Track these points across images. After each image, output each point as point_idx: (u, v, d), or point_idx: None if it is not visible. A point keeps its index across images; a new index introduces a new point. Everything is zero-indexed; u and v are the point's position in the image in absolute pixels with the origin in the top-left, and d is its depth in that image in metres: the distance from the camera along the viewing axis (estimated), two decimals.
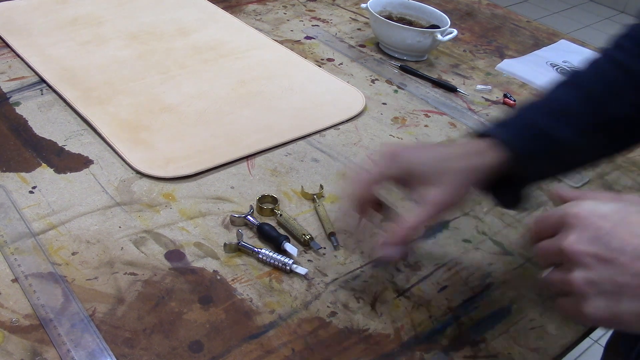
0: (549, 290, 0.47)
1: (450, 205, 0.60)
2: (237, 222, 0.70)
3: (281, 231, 0.70)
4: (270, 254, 0.65)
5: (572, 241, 0.44)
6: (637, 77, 0.62)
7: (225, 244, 0.67)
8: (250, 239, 0.69)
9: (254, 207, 0.73)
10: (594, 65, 0.66)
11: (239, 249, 0.67)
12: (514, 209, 0.67)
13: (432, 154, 0.62)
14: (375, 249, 0.61)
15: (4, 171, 0.74)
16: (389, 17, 1.13)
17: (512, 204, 0.66)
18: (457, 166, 0.60)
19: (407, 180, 0.61)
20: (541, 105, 0.65)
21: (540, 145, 0.62)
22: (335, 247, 0.69)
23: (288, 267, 0.65)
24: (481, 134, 0.63)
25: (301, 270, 0.65)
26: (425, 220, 0.59)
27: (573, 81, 0.66)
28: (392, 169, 0.61)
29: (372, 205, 0.64)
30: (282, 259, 0.65)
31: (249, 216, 0.70)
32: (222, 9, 1.19)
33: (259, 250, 0.66)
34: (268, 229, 0.68)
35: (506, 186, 0.64)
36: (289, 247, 0.66)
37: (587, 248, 0.44)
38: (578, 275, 0.44)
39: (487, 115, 0.97)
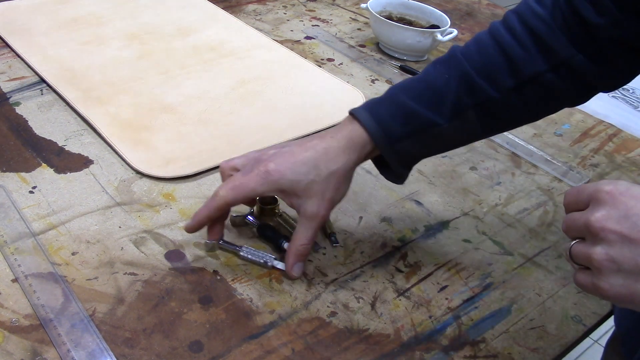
0: (570, 262, 0.47)
1: (329, 210, 0.64)
2: (237, 222, 0.70)
3: (281, 231, 0.70)
4: (252, 250, 0.65)
5: (600, 217, 0.44)
6: (514, 61, 0.63)
7: (205, 243, 0.67)
8: (250, 239, 0.69)
9: (254, 207, 0.73)
10: (477, 43, 0.66)
11: (219, 247, 0.67)
12: (398, 183, 0.69)
13: (303, 163, 0.62)
14: (288, 270, 0.64)
15: (4, 171, 0.74)
16: (389, 17, 1.13)
17: (394, 178, 0.69)
18: (329, 172, 0.62)
19: (282, 194, 0.63)
20: (412, 86, 0.66)
21: (408, 127, 0.64)
22: (335, 247, 0.69)
23: (269, 264, 0.65)
24: (353, 114, 0.65)
25: (282, 265, 0.65)
26: (316, 233, 0.64)
27: (449, 60, 0.66)
28: (264, 187, 0.62)
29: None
30: (263, 255, 0.65)
31: (249, 216, 0.70)
32: (222, 9, 1.19)
33: (240, 247, 0.66)
34: (268, 229, 0.68)
35: (384, 164, 0.67)
36: (287, 246, 0.66)
37: (614, 226, 0.43)
38: (600, 251, 0.44)
39: None
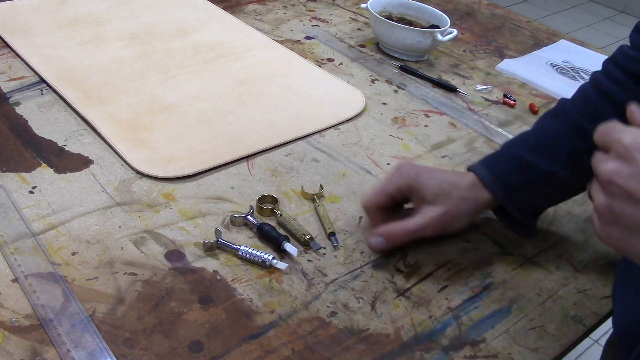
0: (589, 198, 0.49)
1: (446, 226, 0.68)
2: (237, 222, 0.70)
3: (281, 231, 0.70)
4: (250, 250, 0.65)
5: (611, 170, 0.45)
6: (617, 102, 0.67)
7: (203, 242, 0.67)
8: (250, 239, 0.69)
9: (254, 207, 0.73)
10: (581, 91, 0.72)
11: (217, 247, 0.67)
12: (526, 234, 0.74)
13: (440, 176, 0.69)
14: (369, 235, 0.68)
15: (4, 171, 0.74)
16: (389, 17, 1.13)
17: (517, 230, 0.73)
18: (456, 194, 0.68)
19: (410, 194, 0.69)
20: (526, 139, 0.71)
21: (525, 177, 0.68)
22: (335, 247, 0.69)
23: (268, 263, 0.65)
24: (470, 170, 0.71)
25: (281, 265, 0.65)
26: (421, 230, 0.68)
27: (558, 111, 0.72)
28: (398, 180, 0.68)
29: (382, 213, 0.70)
30: (262, 255, 0.65)
31: (249, 216, 0.70)
32: (222, 9, 1.19)
33: (238, 247, 0.66)
34: (268, 229, 0.68)
35: (507, 215, 0.72)
36: (288, 247, 0.66)
37: (622, 181, 0.44)
38: (603, 200, 0.45)
39: (487, 115, 0.97)
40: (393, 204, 0.70)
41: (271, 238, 0.67)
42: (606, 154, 0.47)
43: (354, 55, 1.10)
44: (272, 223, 0.71)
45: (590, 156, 0.64)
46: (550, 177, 0.68)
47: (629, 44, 0.70)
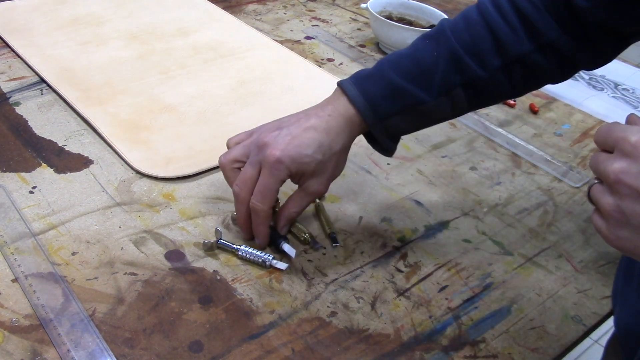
0: (589, 201, 0.48)
1: (330, 183, 0.68)
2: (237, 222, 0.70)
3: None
4: (250, 250, 0.65)
5: (619, 169, 0.44)
6: (501, 41, 0.64)
7: (203, 242, 0.67)
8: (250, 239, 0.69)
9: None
10: (465, 20, 0.67)
11: (217, 247, 0.67)
12: (387, 155, 0.71)
13: (308, 145, 0.64)
14: (280, 229, 0.68)
15: (4, 171, 0.74)
16: (389, 17, 1.13)
17: (383, 152, 0.71)
18: (331, 155, 0.65)
19: (291, 177, 0.66)
20: (400, 62, 0.67)
21: (396, 103, 0.66)
22: (335, 247, 0.69)
23: (268, 263, 0.65)
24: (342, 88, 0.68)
25: (281, 265, 0.65)
26: (307, 205, 0.68)
27: (439, 35, 0.67)
28: (281, 177, 0.64)
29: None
30: (261, 254, 0.65)
31: None
32: (222, 9, 1.19)
33: (238, 247, 0.66)
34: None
35: (372, 138, 0.70)
36: (287, 247, 0.66)
37: (631, 181, 0.43)
38: (611, 201, 0.44)
39: (487, 114, 0.97)
40: None
41: (271, 238, 0.67)
42: (608, 153, 0.46)
43: (354, 55, 1.10)
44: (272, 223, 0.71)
45: (461, 90, 0.65)
46: (420, 106, 0.66)
47: None
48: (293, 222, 0.70)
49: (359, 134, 0.68)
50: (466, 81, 0.65)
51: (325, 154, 0.65)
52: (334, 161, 0.66)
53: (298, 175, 0.66)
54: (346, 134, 0.66)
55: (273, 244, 0.67)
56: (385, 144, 0.69)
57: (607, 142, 0.46)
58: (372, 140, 0.71)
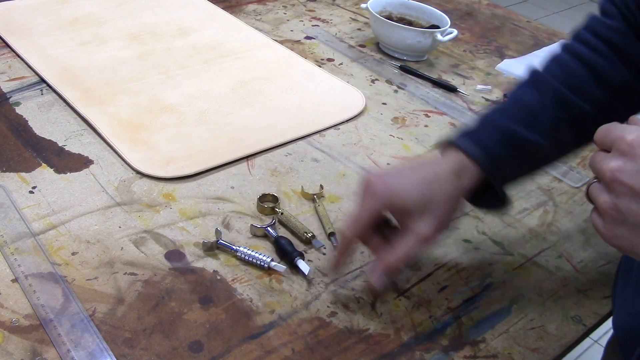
0: (587, 200, 0.48)
1: (440, 233, 0.61)
2: (257, 233, 0.69)
3: (284, 233, 0.70)
4: (249, 251, 0.65)
5: (615, 167, 0.44)
6: (598, 72, 0.64)
7: (203, 242, 0.66)
8: (249, 239, 0.69)
9: (255, 205, 0.73)
10: (556, 61, 0.67)
11: (217, 247, 0.67)
12: (494, 212, 0.69)
13: (413, 183, 0.61)
14: (371, 277, 0.61)
15: (4, 171, 0.74)
16: (389, 17, 1.13)
17: (490, 207, 0.67)
18: (441, 195, 0.60)
19: (392, 213, 0.62)
20: (506, 110, 0.66)
21: (510, 149, 0.63)
22: (335, 247, 0.69)
23: (266, 265, 0.65)
24: (452, 144, 0.64)
25: (279, 267, 0.65)
26: (415, 252, 0.60)
27: (536, 81, 0.66)
28: (371, 205, 0.60)
29: (374, 239, 0.63)
30: (260, 256, 0.65)
31: (268, 228, 0.69)
32: (222, 9, 1.19)
33: (237, 248, 0.66)
34: (284, 243, 0.67)
35: (482, 192, 0.65)
36: (301, 264, 0.65)
37: (627, 179, 0.43)
38: (607, 200, 0.45)
39: None
40: (375, 226, 0.62)
41: (286, 252, 0.66)
42: (606, 153, 0.46)
43: (354, 55, 1.10)
44: (272, 219, 0.71)
45: (570, 128, 0.63)
46: (534, 149, 0.64)
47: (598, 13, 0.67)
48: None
49: (471, 184, 0.63)
50: (574, 118, 0.64)
51: (435, 194, 0.60)
52: (446, 206, 0.60)
53: (401, 213, 0.61)
54: (458, 181, 0.61)
55: (288, 258, 0.66)
56: (502, 194, 0.65)
57: (606, 142, 0.47)
58: (479, 197, 0.66)
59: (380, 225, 0.63)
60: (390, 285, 0.64)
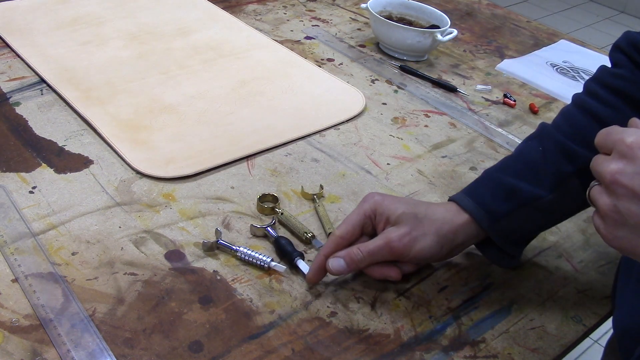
0: (589, 202, 0.48)
1: (408, 247, 0.62)
2: (257, 233, 0.69)
3: (284, 233, 0.70)
4: (248, 251, 0.65)
5: (615, 170, 0.44)
6: (605, 123, 0.64)
7: (203, 242, 0.66)
8: (249, 239, 0.69)
9: (255, 205, 0.73)
10: (563, 115, 0.68)
11: (217, 247, 0.67)
12: (511, 264, 0.69)
13: (406, 203, 0.65)
14: (330, 258, 0.63)
15: (4, 171, 0.74)
16: (389, 17, 1.13)
17: (500, 261, 0.68)
18: (430, 216, 0.64)
19: (376, 220, 0.64)
20: (507, 164, 0.67)
21: (510, 204, 0.64)
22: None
23: (266, 265, 0.65)
24: (450, 200, 0.67)
25: (279, 267, 0.65)
26: (380, 251, 0.62)
27: (540, 134, 0.68)
28: (362, 207, 0.64)
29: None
30: (260, 256, 0.65)
31: (268, 228, 0.69)
32: (222, 9, 1.19)
33: (237, 248, 0.66)
34: (284, 243, 0.67)
35: (490, 245, 0.67)
36: (301, 264, 0.65)
37: (626, 181, 0.44)
38: (607, 202, 0.45)
39: (487, 115, 0.97)
40: (361, 235, 0.65)
41: (286, 252, 0.66)
42: (607, 156, 0.47)
43: (354, 55, 1.10)
44: (272, 218, 0.71)
45: (577, 179, 0.63)
46: (536, 203, 0.64)
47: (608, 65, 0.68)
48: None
49: (475, 241, 0.67)
50: (580, 168, 0.63)
51: (419, 214, 0.63)
52: (429, 230, 0.63)
53: (381, 220, 0.64)
54: (453, 231, 0.64)
55: (288, 258, 0.66)
56: (507, 249, 0.66)
57: (606, 145, 0.47)
58: (494, 250, 0.68)
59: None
60: (344, 274, 0.64)
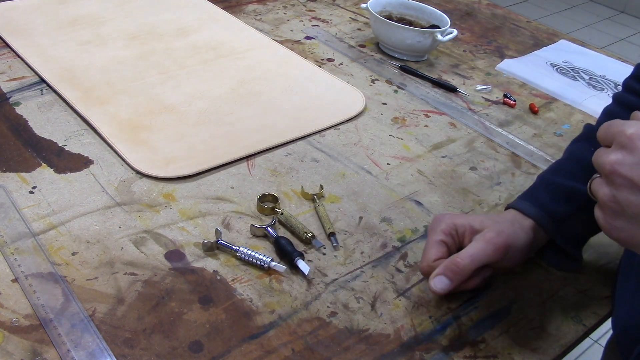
0: (590, 194, 0.49)
1: (506, 247, 0.61)
2: (257, 232, 0.69)
3: (284, 233, 0.70)
4: (248, 251, 0.65)
5: (614, 160, 0.45)
6: None
7: (203, 242, 0.66)
8: (249, 239, 0.69)
9: (255, 205, 0.73)
10: (606, 114, 0.69)
11: (217, 247, 0.67)
12: (574, 268, 0.70)
13: (479, 215, 0.67)
14: (430, 278, 0.62)
15: (4, 171, 0.74)
16: (389, 17, 1.13)
17: (563, 265, 0.69)
18: (505, 220, 0.64)
19: (457, 233, 0.64)
20: (561, 167, 0.68)
21: (570, 205, 0.64)
22: (335, 247, 0.69)
23: (266, 265, 0.65)
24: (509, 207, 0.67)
25: (279, 267, 0.65)
26: (482, 253, 0.61)
27: (588, 135, 0.68)
28: (438, 226, 0.64)
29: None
30: (260, 256, 0.65)
31: (268, 228, 0.69)
32: (222, 9, 1.19)
33: (237, 248, 0.66)
34: (284, 243, 0.67)
35: (553, 249, 0.67)
36: (301, 264, 0.65)
37: (626, 171, 0.44)
38: (607, 192, 0.45)
39: (487, 115, 0.97)
40: (448, 253, 0.64)
41: (286, 252, 0.66)
42: (607, 148, 0.47)
43: (354, 55, 1.10)
44: (272, 218, 0.71)
45: None
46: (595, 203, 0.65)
47: None
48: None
49: (537, 248, 0.67)
50: None
51: (495, 219, 0.63)
52: (505, 226, 0.63)
53: (457, 233, 0.64)
54: (517, 226, 0.64)
55: (288, 258, 0.66)
56: (571, 251, 0.66)
57: (607, 137, 0.47)
58: (553, 255, 0.68)
59: None
60: (448, 292, 0.61)
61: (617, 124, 0.47)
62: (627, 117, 0.65)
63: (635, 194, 0.44)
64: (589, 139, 0.67)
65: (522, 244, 0.64)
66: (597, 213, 0.47)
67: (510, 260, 0.63)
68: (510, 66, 1.12)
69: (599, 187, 0.47)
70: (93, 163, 0.77)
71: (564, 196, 0.65)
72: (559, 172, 0.67)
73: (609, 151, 0.46)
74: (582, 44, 1.25)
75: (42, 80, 0.92)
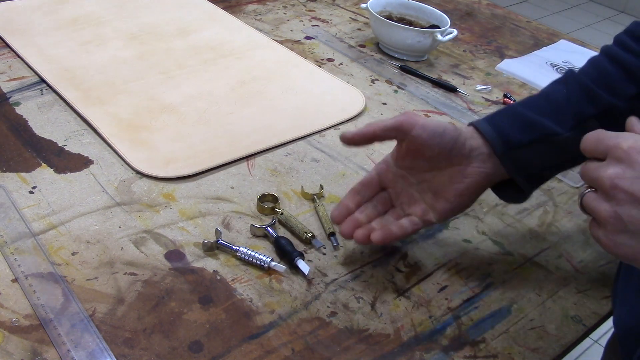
0: (581, 209, 0.47)
1: (412, 120, 0.63)
2: (257, 232, 0.69)
3: (284, 233, 0.70)
4: (248, 251, 0.65)
5: (614, 174, 0.44)
6: (630, 70, 0.64)
7: (203, 242, 0.66)
8: (249, 239, 0.69)
9: (255, 205, 0.73)
10: (590, 62, 0.69)
11: (217, 247, 0.67)
12: (520, 200, 0.69)
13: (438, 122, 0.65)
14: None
15: (4, 171, 0.74)
16: (389, 17, 1.13)
17: (510, 197, 0.68)
18: (455, 134, 0.64)
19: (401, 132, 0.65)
20: (530, 100, 0.67)
21: (528, 136, 0.64)
22: (335, 247, 0.69)
23: (266, 265, 0.65)
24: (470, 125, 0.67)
25: (279, 267, 0.65)
26: (388, 127, 0.64)
27: (566, 78, 0.68)
28: (393, 121, 0.65)
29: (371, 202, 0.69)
30: (260, 256, 0.65)
31: (268, 228, 0.69)
32: (222, 9, 1.19)
33: (237, 248, 0.66)
34: (284, 243, 0.67)
35: (504, 182, 0.67)
36: (301, 264, 0.65)
37: (627, 186, 0.43)
38: (608, 208, 0.44)
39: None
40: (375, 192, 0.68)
41: (286, 252, 0.66)
42: (599, 161, 0.46)
43: (354, 55, 1.10)
44: (272, 221, 0.71)
45: (597, 122, 0.63)
46: (553, 138, 0.64)
47: None
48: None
49: (484, 168, 0.65)
50: (601, 112, 0.64)
51: (454, 136, 0.64)
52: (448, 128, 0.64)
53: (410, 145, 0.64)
54: (469, 143, 0.64)
55: (288, 258, 0.66)
56: (518, 180, 0.65)
57: (598, 150, 0.46)
58: (504, 187, 0.67)
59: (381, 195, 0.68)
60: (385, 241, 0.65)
61: (608, 136, 0.46)
62: (612, 69, 0.65)
63: (637, 209, 0.43)
64: (566, 81, 0.67)
65: (459, 145, 0.64)
66: (596, 230, 0.46)
67: (440, 147, 0.64)
68: (510, 66, 1.12)
69: (597, 203, 0.45)
70: (93, 163, 0.77)
71: (522, 125, 0.64)
72: (526, 104, 0.67)
73: (605, 165, 0.45)
74: (582, 44, 1.25)
75: (42, 80, 0.92)
